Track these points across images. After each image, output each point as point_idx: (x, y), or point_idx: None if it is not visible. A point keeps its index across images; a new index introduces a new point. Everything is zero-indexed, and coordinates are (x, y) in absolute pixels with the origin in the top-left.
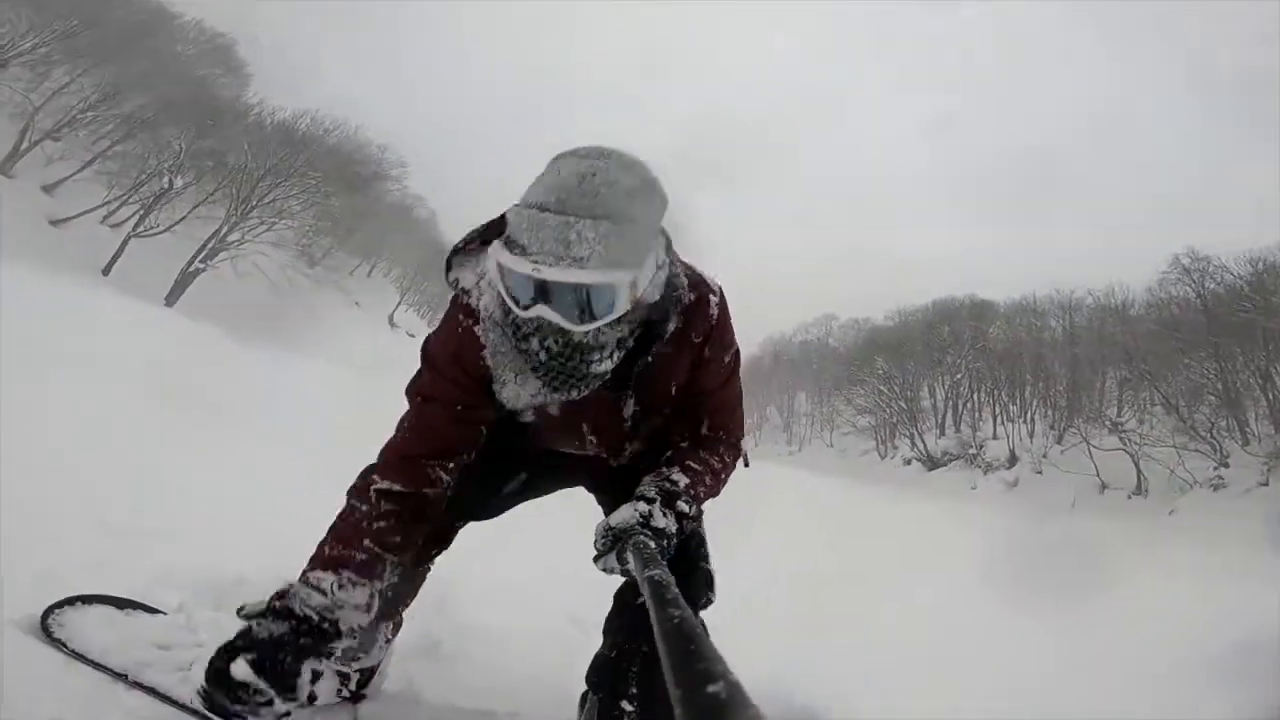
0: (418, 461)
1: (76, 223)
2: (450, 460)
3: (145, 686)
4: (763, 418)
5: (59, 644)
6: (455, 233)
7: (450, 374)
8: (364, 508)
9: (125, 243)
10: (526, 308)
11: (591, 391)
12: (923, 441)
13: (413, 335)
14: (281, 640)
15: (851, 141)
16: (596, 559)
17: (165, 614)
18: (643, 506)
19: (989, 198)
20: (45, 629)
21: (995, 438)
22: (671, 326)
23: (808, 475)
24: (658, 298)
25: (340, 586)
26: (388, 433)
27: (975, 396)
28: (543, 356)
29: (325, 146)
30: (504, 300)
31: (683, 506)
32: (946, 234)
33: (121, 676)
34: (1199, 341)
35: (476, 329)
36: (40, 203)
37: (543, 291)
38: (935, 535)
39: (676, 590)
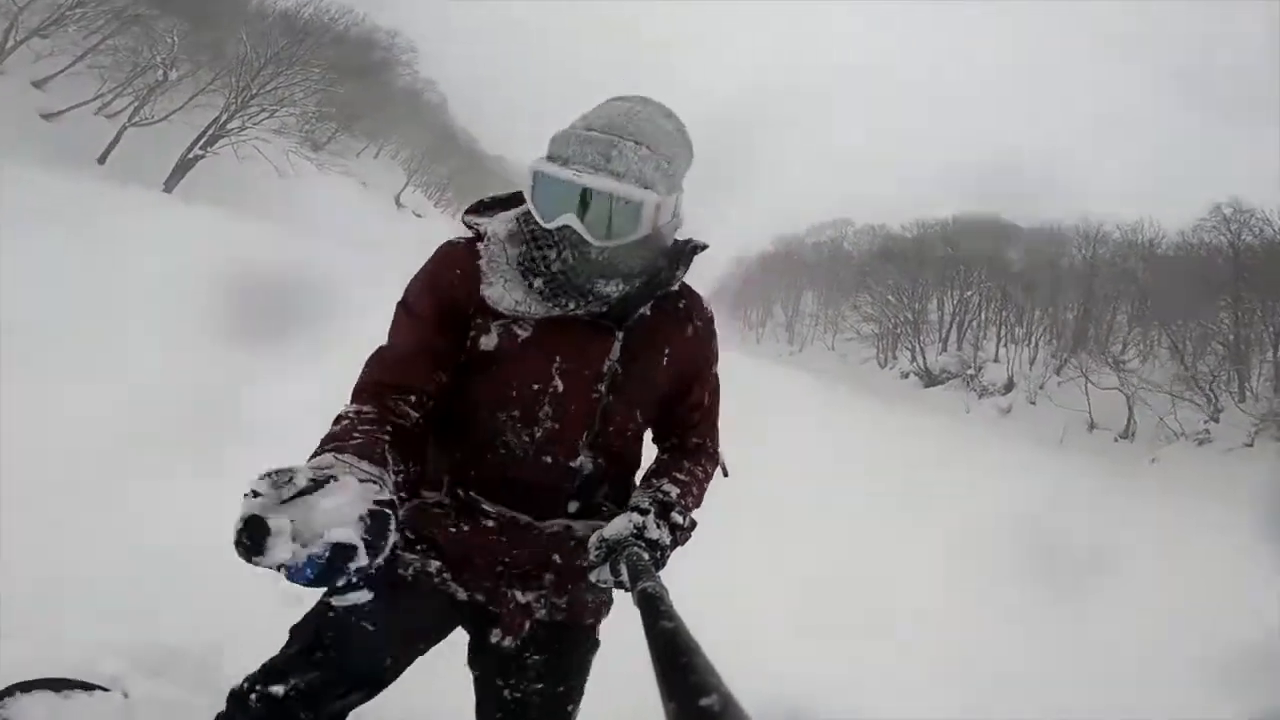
0: (381, 390)
1: (70, 116)
2: (411, 395)
3: None
4: (767, 314)
5: None
6: (465, 115)
7: (438, 278)
8: (345, 421)
9: (121, 132)
10: (554, 218)
11: (581, 309)
12: (923, 356)
13: (419, 215)
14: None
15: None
16: (590, 570)
17: (103, 689)
18: (637, 518)
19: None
20: None
21: (996, 360)
22: (676, 285)
23: (809, 380)
24: (668, 244)
25: (339, 456)
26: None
27: (982, 315)
28: (556, 267)
29: (331, 34)
30: (516, 228)
31: (676, 518)
32: (976, 147)
33: None
34: (1220, 290)
35: (478, 245)
36: (31, 97)
37: (576, 201)
38: (928, 466)
39: (670, 602)
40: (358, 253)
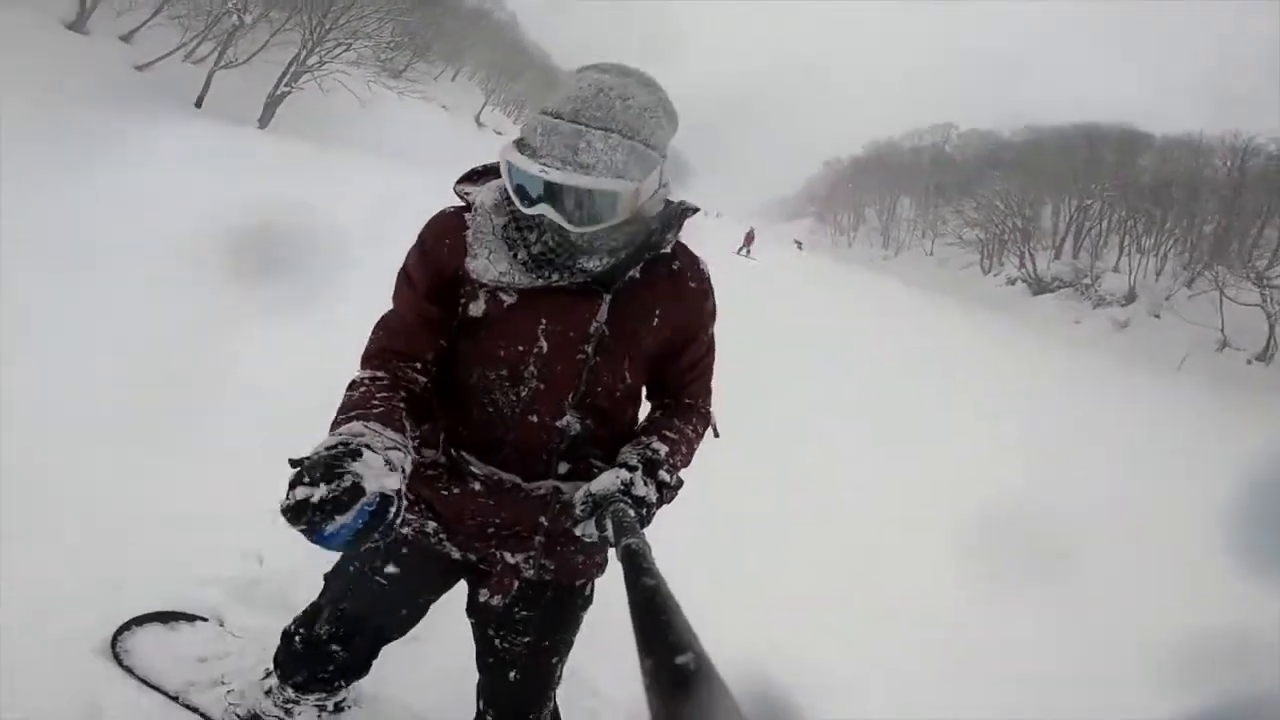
0: (389, 357)
1: (160, 65)
2: (416, 361)
3: (190, 707)
4: (859, 219)
5: (128, 670)
6: (536, 33)
7: (430, 249)
8: (361, 388)
9: (211, 76)
10: (530, 205)
11: (565, 281)
12: (1033, 262)
13: (500, 133)
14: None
15: None
16: (574, 525)
17: (203, 619)
18: (624, 474)
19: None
20: (115, 656)
21: (1116, 270)
22: (667, 248)
23: (899, 286)
24: (656, 214)
25: (367, 425)
26: None
27: (1104, 224)
28: (537, 249)
29: None
30: (501, 198)
31: (664, 476)
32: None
33: (174, 699)
34: None
35: (466, 215)
36: (121, 50)
37: (548, 191)
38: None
39: (652, 560)
40: (443, 173)
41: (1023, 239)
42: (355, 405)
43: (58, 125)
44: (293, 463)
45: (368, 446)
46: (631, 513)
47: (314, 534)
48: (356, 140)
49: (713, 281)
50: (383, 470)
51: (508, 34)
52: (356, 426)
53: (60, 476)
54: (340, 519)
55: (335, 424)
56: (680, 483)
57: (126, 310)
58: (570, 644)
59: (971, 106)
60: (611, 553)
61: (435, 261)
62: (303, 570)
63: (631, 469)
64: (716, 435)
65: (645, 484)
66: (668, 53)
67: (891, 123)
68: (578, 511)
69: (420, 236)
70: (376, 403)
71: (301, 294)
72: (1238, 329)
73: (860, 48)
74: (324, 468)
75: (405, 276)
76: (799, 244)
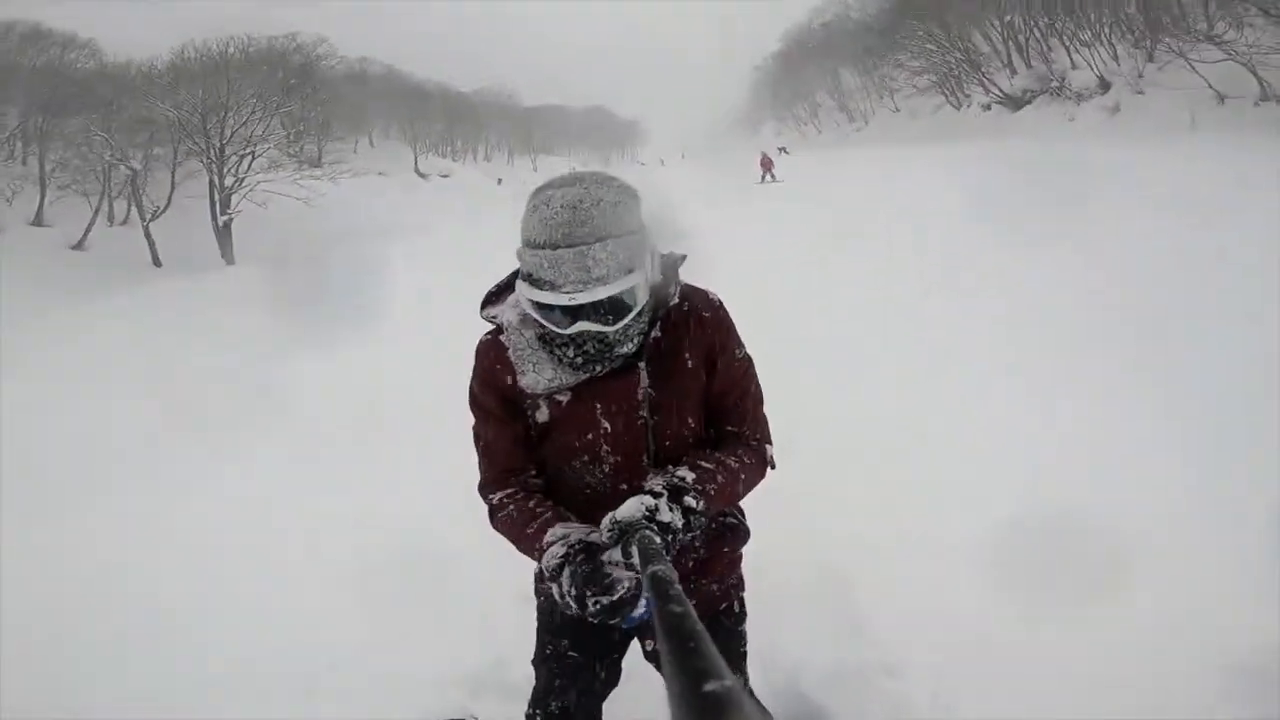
0: (505, 476)
1: (90, 239)
2: (525, 473)
3: None
4: (815, 105)
5: None
6: (420, 72)
7: (486, 377)
8: (509, 507)
9: (148, 232)
10: (567, 325)
11: (607, 369)
12: (995, 85)
13: (445, 175)
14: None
15: None
16: (600, 552)
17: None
18: (649, 500)
19: None
20: None
21: (1075, 68)
22: (674, 300)
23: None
24: (660, 279)
25: (561, 525)
26: None
27: (1035, 31)
28: (580, 360)
29: (235, 65)
30: (526, 314)
31: (690, 501)
32: None
33: None
34: None
35: (501, 337)
36: (42, 234)
37: (579, 311)
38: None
39: (679, 587)
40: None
41: (973, 68)
42: (526, 519)
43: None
44: (546, 577)
45: (596, 549)
46: (657, 539)
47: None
48: (318, 242)
49: (726, 306)
50: (624, 566)
51: (393, 81)
52: (559, 530)
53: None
54: (626, 611)
55: (526, 538)
56: (706, 509)
57: None
58: (743, 656)
59: None
60: (742, 568)
61: (495, 384)
62: (513, 658)
63: (656, 495)
64: (773, 467)
65: (670, 510)
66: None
67: (794, 8)
68: (604, 538)
69: (474, 370)
70: (537, 509)
71: None
72: (1225, 82)
73: None
74: (594, 580)
75: (478, 408)
76: (783, 150)
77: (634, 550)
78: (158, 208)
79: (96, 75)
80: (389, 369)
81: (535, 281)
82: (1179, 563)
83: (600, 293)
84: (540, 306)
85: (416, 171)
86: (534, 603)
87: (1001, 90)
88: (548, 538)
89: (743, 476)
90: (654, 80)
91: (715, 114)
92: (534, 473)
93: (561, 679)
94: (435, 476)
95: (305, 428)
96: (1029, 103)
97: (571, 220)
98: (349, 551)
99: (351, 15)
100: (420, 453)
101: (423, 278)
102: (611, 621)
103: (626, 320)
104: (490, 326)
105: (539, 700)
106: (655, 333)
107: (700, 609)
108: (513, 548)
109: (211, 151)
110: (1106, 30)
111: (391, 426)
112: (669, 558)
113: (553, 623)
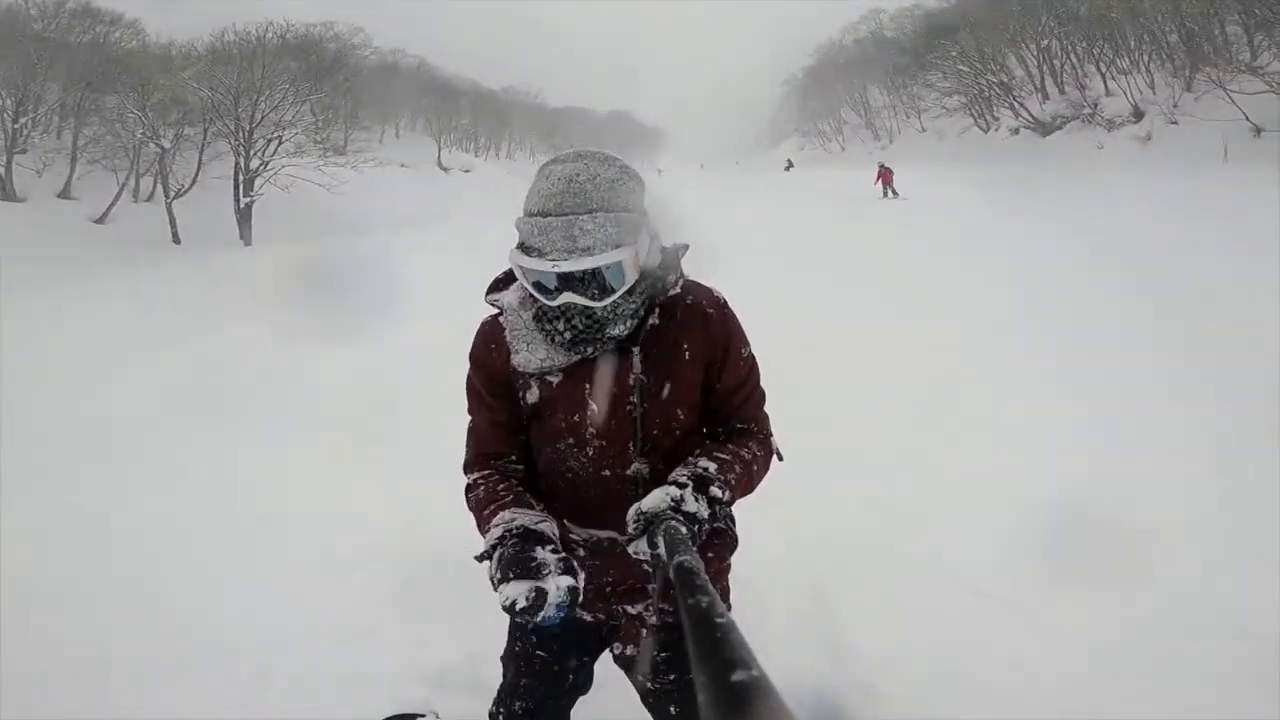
0: (485, 459)
1: (114, 214)
2: (506, 457)
3: None
4: (840, 121)
5: None
6: (451, 67)
7: (480, 359)
8: (481, 488)
9: (170, 210)
10: (554, 298)
11: (599, 351)
12: (1026, 109)
13: (467, 170)
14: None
15: None
16: (628, 543)
17: (422, 716)
18: (674, 491)
19: None
20: None
21: (1109, 94)
22: (675, 290)
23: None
24: (657, 264)
25: (514, 510)
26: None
27: (1071, 57)
28: (568, 335)
29: (271, 50)
30: (525, 294)
31: (715, 492)
32: None
33: None
34: None
35: (500, 319)
36: (68, 207)
37: (564, 281)
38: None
39: (705, 576)
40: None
41: (1004, 91)
42: (487, 500)
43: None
44: (479, 559)
45: (535, 536)
46: (683, 529)
47: (534, 621)
48: (335, 224)
49: (730, 304)
50: (555, 563)
51: (424, 76)
52: (505, 515)
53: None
54: (542, 613)
55: (483, 519)
56: (732, 499)
57: None
58: None
59: None
60: (729, 580)
61: (488, 367)
62: (484, 653)
63: (681, 486)
64: (780, 459)
65: (696, 500)
66: (577, 32)
67: (827, 23)
68: (630, 530)
69: (470, 352)
70: (502, 491)
71: None
72: (1262, 114)
73: None
74: (517, 564)
75: (471, 389)
76: (790, 163)
77: (660, 541)
78: (182, 186)
79: (138, 54)
80: (390, 358)
81: (525, 249)
82: (1191, 589)
83: (584, 263)
84: (529, 275)
85: (439, 165)
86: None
87: (1032, 114)
88: (494, 520)
89: (755, 468)
90: (681, 89)
91: (741, 126)
92: (514, 458)
93: (528, 678)
94: (421, 469)
95: (284, 416)
96: (1059, 128)
97: (566, 191)
98: (323, 543)
99: (390, 6)
100: (407, 446)
101: (435, 266)
102: (519, 618)
103: (614, 298)
104: (492, 312)
105: (504, 698)
106: (653, 320)
107: (677, 616)
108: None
109: (240, 134)
110: (1146, 59)
111: (377, 421)
112: (695, 548)
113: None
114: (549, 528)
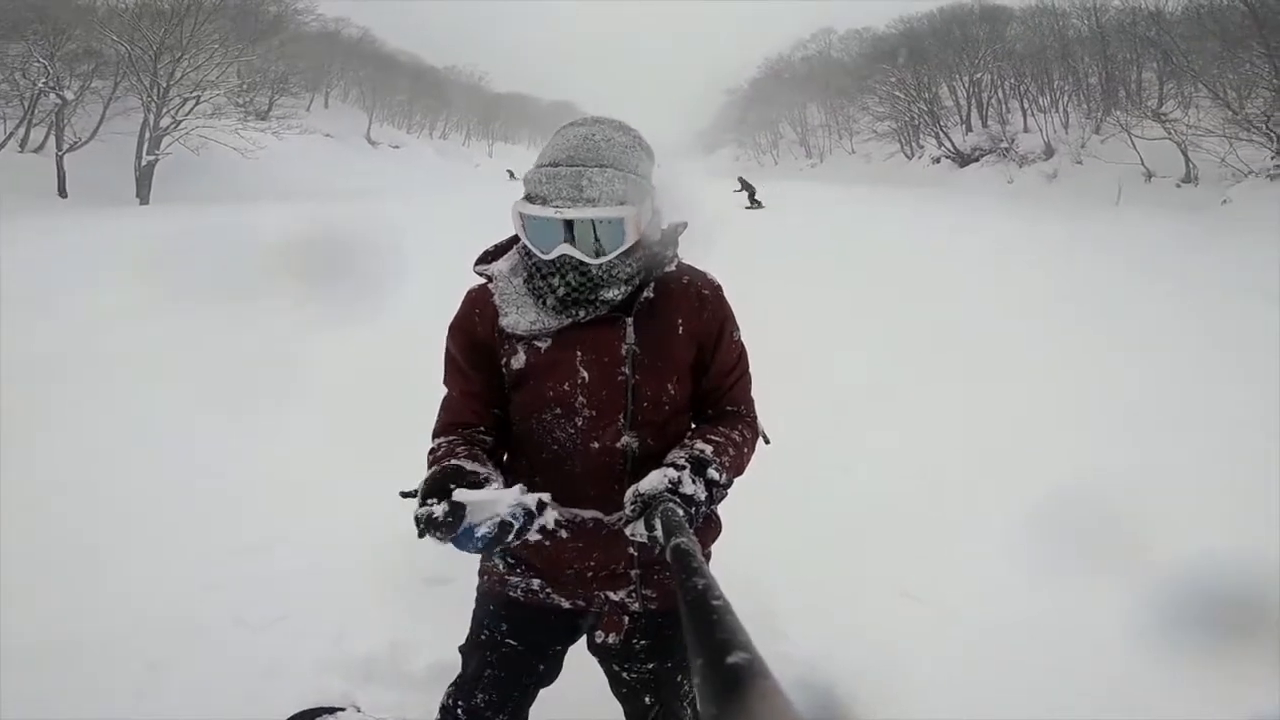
0: (454, 428)
1: None
2: (477, 428)
3: None
4: (777, 135)
5: None
6: (395, 40)
7: (462, 325)
8: (441, 449)
9: (60, 163)
10: (550, 250)
11: (591, 316)
12: (949, 139)
13: (396, 146)
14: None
15: None
16: (625, 524)
17: (341, 709)
18: (672, 473)
19: None
20: None
21: (1027, 130)
22: (671, 266)
23: (824, 189)
24: (656, 237)
25: (459, 461)
26: None
27: (999, 92)
28: (561, 291)
29: (207, 9)
30: (517, 261)
31: (713, 474)
32: None
33: None
34: (1245, 39)
35: (489, 285)
36: None
37: (564, 230)
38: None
39: (701, 559)
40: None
41: (932, 120)
42: (443, 457)
43: None
44: (404, 494)
45: (470, 474)
46: (680, 512)
47: (452, 541)
48: (245, 192)
49: (724, 289)
50: (491, 506)
51: (367, 48)
52: (450, 464)
53: None
54: (454, 533)
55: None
56: (729, 481)
57: None
58: None
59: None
60: (718, 555)
61: (469, 334)
62: (411, 643)
63: (679, 468)
64: (767, 442)
65: (694, 482)
66: (536, 19)
67: (779, 39)
68: (627, 511)
69: (452, 321)
70: (461, 452)
71: None
72: (1156, 160)
73: None
74: (435, 487)
75: (449, 358)
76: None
77: (657, 523)
78: (79, 139)
79: (59, 2)
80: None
81: (529, 197)
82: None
83: (587, 212)
84: (530, 224)
85: (368, 139)
86: (446, 585)
87: (953, 145)
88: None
89: (746, 450)
90: (625, 86)
91: (679, 128)
92: (484, 429)
93: (494, 668)
94: (326, 443)
95: (160, 389)
96: (976, 160)
97: (579, 146)
98: (228, 526)
99: None
100: (306, 417)
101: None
102: (437, 538)
103: (610, 257)
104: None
105: (464, 689)
106: (648, 293)
107: (664, 604)
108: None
109: (156, 90)
110: (1066, 98)
111: (267, 402)
112: (692, 530)
113: (494, 607)
114: (493, 483)
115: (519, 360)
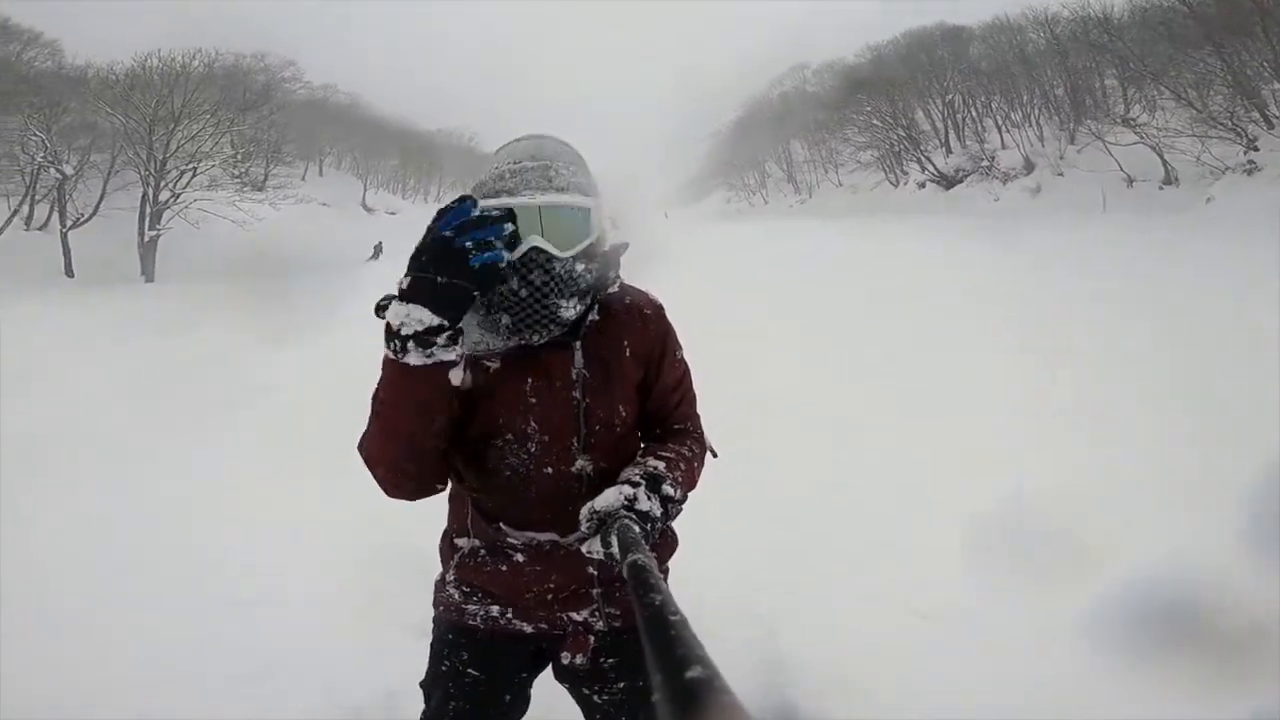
0: None
1: (4, 240)
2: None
3: None
4: (764, 174)
5: None
6: (383, 105)
7: None
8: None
9: (65, 240)
10: (518, 246)
11: (543, 339)
12: (932, 163)
13: (393, 213)
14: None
15: None
16: (581, 542)
17: None
18: (628, 490)
19: None
20: None
21: (1005, 147)
22: (615, 287)
23: (815, 224)
24: (605, 249)
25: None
26: None
27: (973, 111)
28: (524, 293)
29: (195, 79)
30: None
31: (668, 490)
32: None
33: None
34: (1196, 41)
35: None
36: None
37: (535, 224)
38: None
39: (659, 575)
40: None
41: (912, 145)
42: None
43: None
44: (379, 308)
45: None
46: (636, 528)
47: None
48: (248, 268)
49: (665, 309)
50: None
51: (357, 113)
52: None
53: None
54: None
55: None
56: (684, 497)
57: None
58: None
59: (816, 35)
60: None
61: None
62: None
63: (634, 484)
64: (715, 455)
65: (649, 498)
66: (527, 80)
67: (757, 76)
68: (583, 529)
69: None
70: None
71: None
72: (1134, 165)
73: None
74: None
75: None
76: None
77: (613, 540)
78: (81, 215)
79: (50, 75)
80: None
81: (495, 194)
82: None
83: (561, 199)
84: (493, 225)
85: (364, 205)
86: (429, 635)
87: (936, 168)
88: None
89: (696, 465)
90: (616, 141)
91: (670, 178)
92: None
93: (458, 700)
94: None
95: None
96: (960, 181)
97: (539, 150)
98: (223, 580)
99: (328, 40)
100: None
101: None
102: (477, 250)
103: (578, 249)
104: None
105: None
106: (594, 316)
107: (629, 620)
108: (414, 579)
109: (153, 164)
110: (1036, 111)
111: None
112: (648, 546)
113: (453, 636)
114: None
115: (466, 380)
